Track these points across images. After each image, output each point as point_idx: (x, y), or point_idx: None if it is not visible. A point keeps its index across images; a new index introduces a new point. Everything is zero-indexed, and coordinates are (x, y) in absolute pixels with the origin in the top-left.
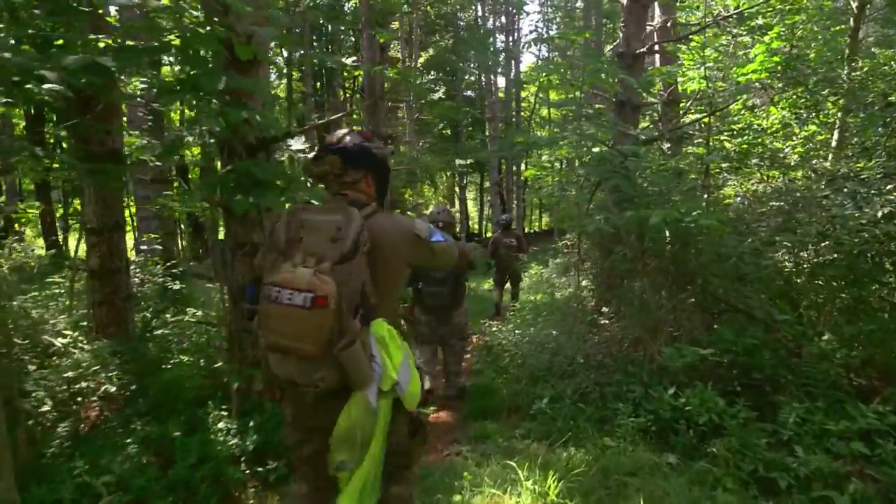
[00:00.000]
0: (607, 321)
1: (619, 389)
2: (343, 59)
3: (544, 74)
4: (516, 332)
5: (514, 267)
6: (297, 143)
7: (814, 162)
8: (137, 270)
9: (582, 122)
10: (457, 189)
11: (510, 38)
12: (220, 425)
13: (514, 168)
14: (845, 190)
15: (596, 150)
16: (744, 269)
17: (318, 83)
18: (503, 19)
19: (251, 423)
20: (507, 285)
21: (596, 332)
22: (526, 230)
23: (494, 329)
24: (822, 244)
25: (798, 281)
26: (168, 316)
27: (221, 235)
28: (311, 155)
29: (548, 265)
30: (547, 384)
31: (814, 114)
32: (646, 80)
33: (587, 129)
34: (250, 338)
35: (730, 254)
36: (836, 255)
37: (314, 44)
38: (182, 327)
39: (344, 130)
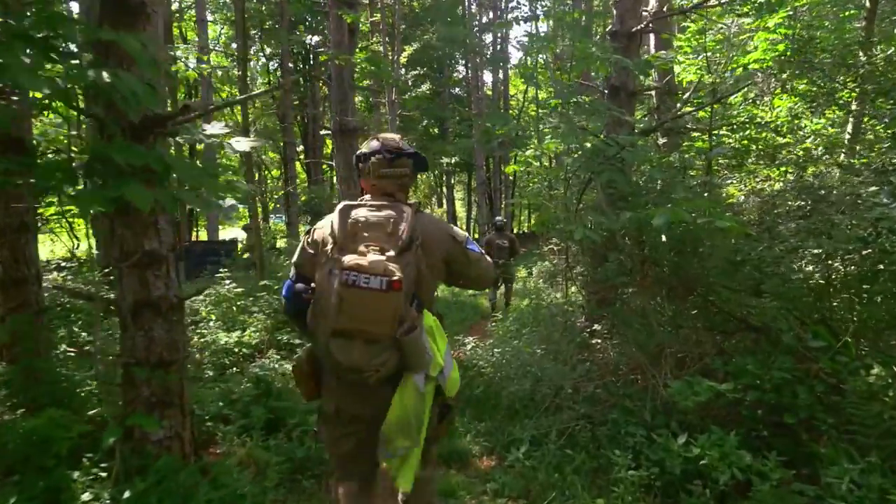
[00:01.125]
0: (600, 341)
1: (616, 431)
2: (306, 40)
3: (531, 58)
4: (495, 350)
5: (507, 269)
6: (214, 127)
7: (831, 156)
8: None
9: (570, 110)
10: (443, 189)
11: (498, 35)
12: (86, 497)
13: (502, 167)
14: (885, 187)
15: (588, 143)
16: (763, 280)
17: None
18: (491, 14)
19: (127, 495)
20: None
21: (587, 355)
22: (515, 231)
23: (471, 346)
24: (864, 252)
25: (833, 297)
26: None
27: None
28: (364, 151)
29: (532, 272)
30: (528, 420)
31: (826, 103)
32: (642, 62)
33: (577, 118)
34: (146, 372)
35: (745, 262)
36: (881, 267)
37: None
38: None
39: (392, 135)
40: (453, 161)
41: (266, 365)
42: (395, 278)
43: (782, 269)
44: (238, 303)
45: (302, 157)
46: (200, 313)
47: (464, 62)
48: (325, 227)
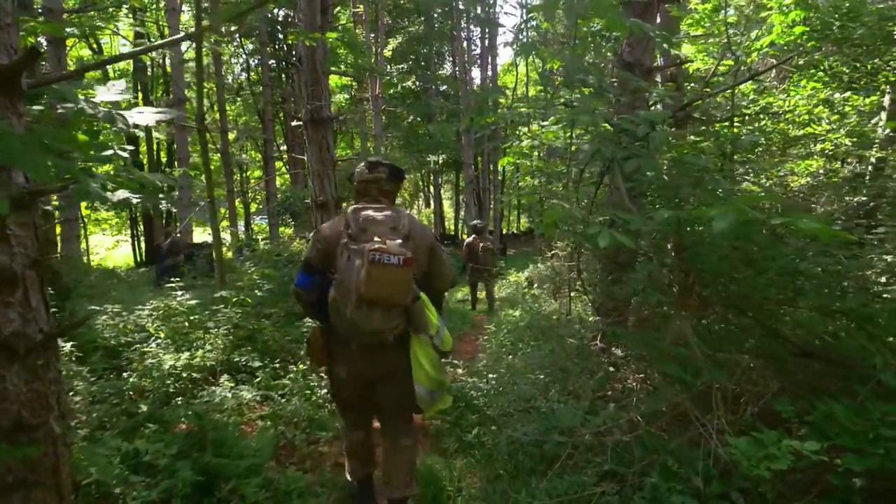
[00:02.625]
0: (632, 380)
1: (656, 500)
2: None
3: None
4: (490, 376)
5: (482, 275)
6: (110, 92)
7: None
8: None
9: (574, 90)
10: (431, 188)
11: (486, 29)
12: None
13: (491, 167)
14: None
15: (604, 124)
16: (839, 297)
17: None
18: (478, 9)
19: None
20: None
21: (609, 395)
22: (504, 231)
23: (460, 370)
24: None
25: None
26: None
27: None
28: (361, 166)
29: (524, 275)
30: (534, 477)
31: (864, 86)
32: (665, 33)
33: (582, 98)
34: None
35: (806, 274)
36: None
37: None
38: None
39: (375, 157)
40: (440, 160)
41: (215, 394)
42: (409, 256)
43: (867, 285)
44: (192, 317)
45: (285, 156)
46: (147, 330)
47: (451, 58)
48: (336, 225)
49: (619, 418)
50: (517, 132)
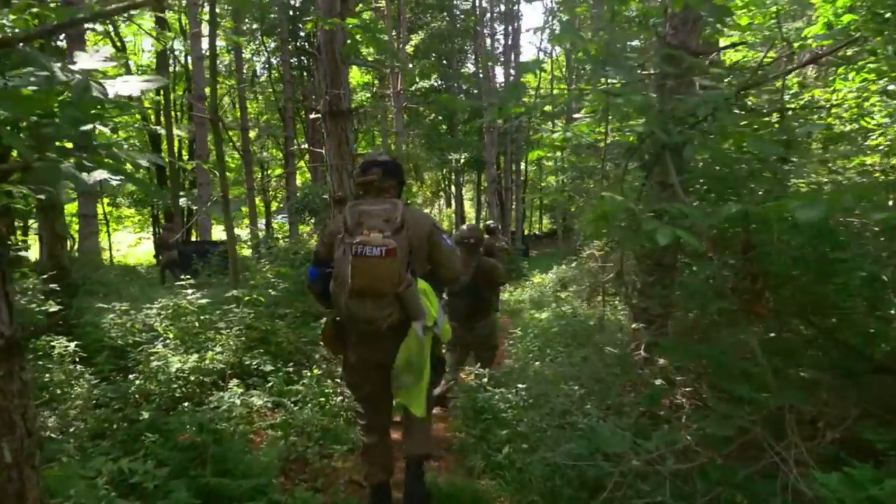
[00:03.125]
0: (685, 399)
1: None
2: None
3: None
4: (518, 387)
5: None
6: (92, 59)
7: None
8: None
9: (611, 71)
10: (452, 188)
11: (510, 27)
12: None
13: (513, 166)
14: None
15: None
16: None
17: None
18: (502, 6)
19: None
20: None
21: (654, 412)
22: (525, 232)
23: (484, 379)
24: None
25: None
26: None
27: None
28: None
29: (549, 276)
30: None
31: None
32: (722, 6)
33: (627, 78)
34: None
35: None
36: None
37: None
38: None
39: (373, 152)
40: (462, 158)
41: (223, 400)
42: (390, 247)
43: None
44: (202, 317)
45: (307, 155)
46: (156, 329)
47: (473, 56)
48: (339, 220)
49: (673, 442)
50: (547, 125)
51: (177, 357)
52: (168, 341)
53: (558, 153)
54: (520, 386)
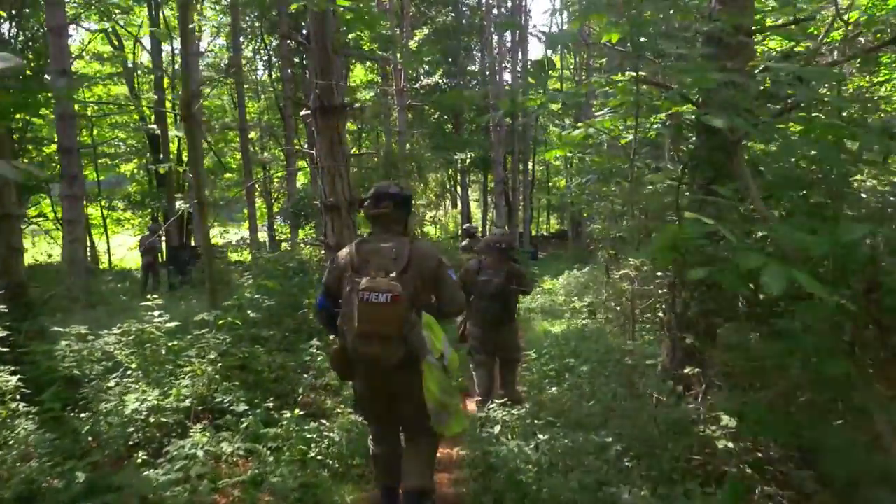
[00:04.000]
0: (776, 488)
1: None
2: None
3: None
4: (539, 438)
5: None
6: None
7: None
8: None
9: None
10: (458, 189)
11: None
12: None
13: (521, 167)
14: None
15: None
16: None
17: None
18: (509, 2)
19: None
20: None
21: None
22: (533, 233)
23: (496, 427)
24: None
25: None
26: None
27: None
28: (363, 197)
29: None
30: None
31: None
32: None
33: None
34: None
35: None
36: None
37: None
38: None
39: (384, 182)
40: (468, 158)
41: (180, 455)
42: (396, 293)
43: None
44: (171, 343)
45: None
46: (116, 356)
47: (479, 53)
48: (345, 255)
49: None
50: (559, 123)
51: (135, 394)
52: (131, 372)
53: (570, 153)
54: (540, 437)
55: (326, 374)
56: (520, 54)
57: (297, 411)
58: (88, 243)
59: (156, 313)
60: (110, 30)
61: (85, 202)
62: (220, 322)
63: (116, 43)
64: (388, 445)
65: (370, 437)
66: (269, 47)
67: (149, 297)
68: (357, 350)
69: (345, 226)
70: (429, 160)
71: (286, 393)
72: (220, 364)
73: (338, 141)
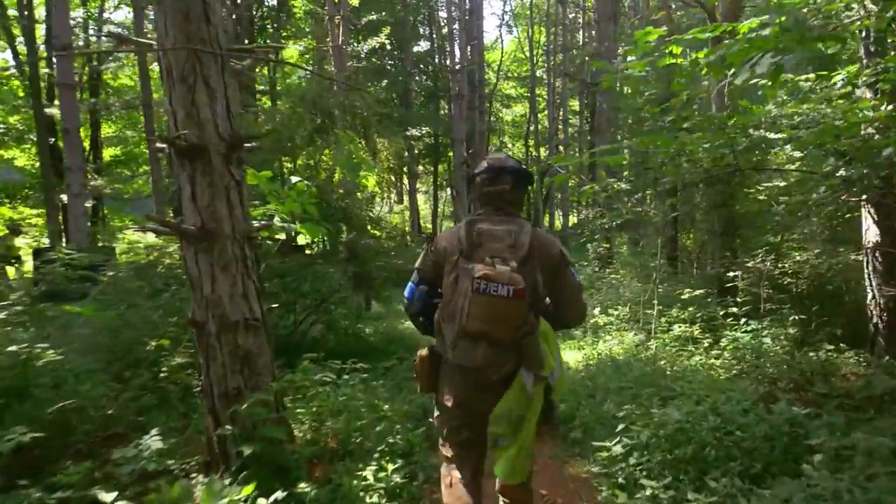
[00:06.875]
0: None
1: None
2: None
3: None
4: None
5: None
6: None
7: None
8: None
9: None
10: (405, 180)
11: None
12: None
13: (486, 147)
14: None
15: None
16: None
17: None
18: None
19: None
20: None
21: None
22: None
23: None
24: None
25: None
26: None
27: None
28: (475, 171)
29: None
30: None
31: None
32: None
33: None
34: None
35: None
36: None
37: None
38: None
39: (498, 155)
40: (422, 133)
41: None
42: (520, 287)
43: None
44: None
45: None
46: None
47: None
48: (451, 237)
49: None
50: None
51: None
52: None
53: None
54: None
55: None
56: (474, 28)
57: None
58: None
59: None
60: None
61: None
62: None
63: None
64: (469, 469)
65: (444, 463)
66: None
67: None
68: (458, 354)
69: (221, 188)
70: (378, 116)
71: None
72: None
73: (202, 15)
